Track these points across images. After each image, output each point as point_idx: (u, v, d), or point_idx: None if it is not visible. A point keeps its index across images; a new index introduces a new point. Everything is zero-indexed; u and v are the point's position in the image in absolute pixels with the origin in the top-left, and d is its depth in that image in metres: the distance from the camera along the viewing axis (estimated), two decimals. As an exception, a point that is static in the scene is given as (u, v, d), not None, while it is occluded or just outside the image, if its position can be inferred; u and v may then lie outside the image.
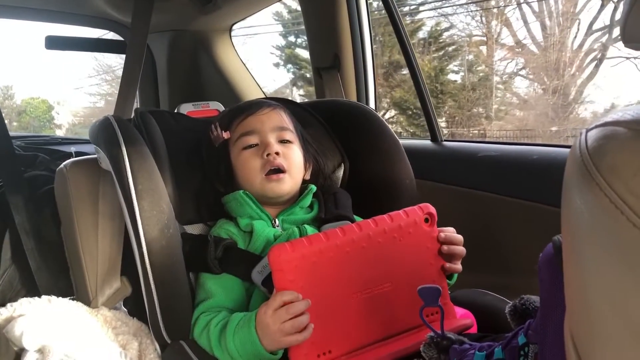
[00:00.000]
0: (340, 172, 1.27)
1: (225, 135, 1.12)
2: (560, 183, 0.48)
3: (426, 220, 0.97)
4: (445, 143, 1.66)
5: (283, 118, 1.15)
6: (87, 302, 1.19)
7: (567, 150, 0.47)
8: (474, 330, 0.99)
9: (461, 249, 0.99)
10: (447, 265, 0.98)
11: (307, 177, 1.17)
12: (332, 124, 1.30)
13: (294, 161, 1.10)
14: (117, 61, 9.98)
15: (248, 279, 1.00)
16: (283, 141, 1.11)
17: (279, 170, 1.07)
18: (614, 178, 0.40)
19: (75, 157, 1.34)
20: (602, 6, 6.18)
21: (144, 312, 1.04)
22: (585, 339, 0.43)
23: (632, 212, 0.38)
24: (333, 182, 1.25)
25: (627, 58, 6.12)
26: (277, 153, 1.08)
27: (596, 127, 0.45)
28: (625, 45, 0.54)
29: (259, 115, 1.12)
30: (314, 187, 1.15)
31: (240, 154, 1.10)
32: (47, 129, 10.90)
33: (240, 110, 1.15)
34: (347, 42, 1.79)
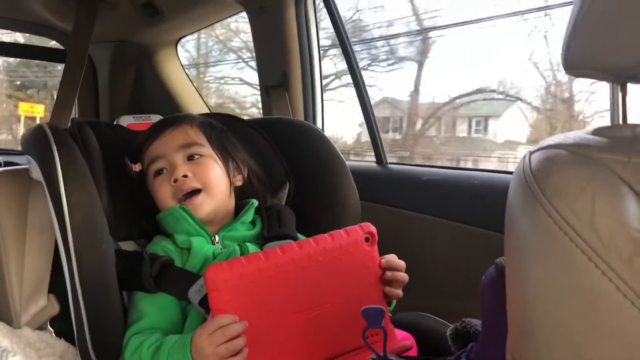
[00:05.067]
0: (286, 190, 1.25)
1: (137, 167, 1.08)
2: (500, 208, 0.48)
3: (367, 239, 0.96)
4: (390, 166, 1.67)
5: (188, 134, 1.09)
6: (9, 321, 1.12)
7: (508, 176, 0.48)
8: (413, 352, 0.98)
9: (404, 275, 0.98)
10: (388, 289, 0.97)
11: (238, 183, 1.12)
12: (278, 141, 1.28)
13: (209, 176, 1.06)
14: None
15: (185, 298, 0.96)
16: (193, 157, 1.07)
17: (193, 192, 1.04)
18: (557, 199, 0.40)
19: (4, 167, 1.27)
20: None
21: (72, 333, 0.98)
22: (526, 362, 0.42)
23: (574, 233, 0.38)
24: (277, 200, 1.23)
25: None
26: (185, 176, 1.04)
27: (539, 149, 0.46)
28: (566, 72, 0.55)
29: (162, 138, 1.08)
30: (255, 202, 1.11)
31: (153, 182, 1.07)
32: None
33: (144, 136, 1.11)
34: (295, 60, 1.79)
